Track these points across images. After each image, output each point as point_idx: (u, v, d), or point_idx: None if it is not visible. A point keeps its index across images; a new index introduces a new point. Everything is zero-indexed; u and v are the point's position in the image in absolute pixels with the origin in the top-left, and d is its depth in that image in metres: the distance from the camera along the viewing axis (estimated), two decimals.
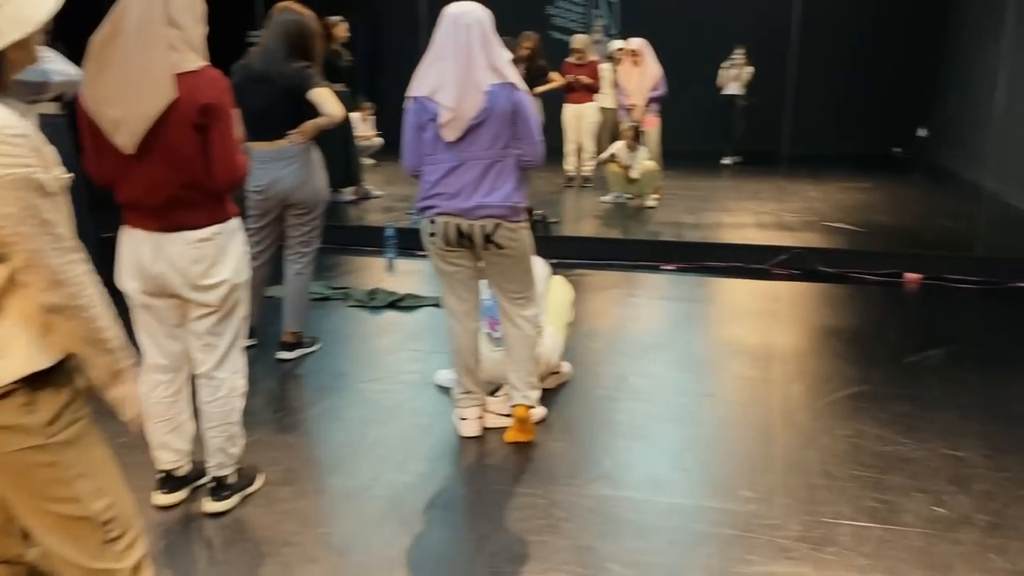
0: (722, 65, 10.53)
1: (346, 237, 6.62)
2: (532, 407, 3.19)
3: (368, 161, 10.32)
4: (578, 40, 8.89)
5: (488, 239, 2.97)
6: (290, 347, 4.04)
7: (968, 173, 9.73)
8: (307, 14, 3.77)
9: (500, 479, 2.92)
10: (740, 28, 11.03)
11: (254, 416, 3.39)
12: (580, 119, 8.90)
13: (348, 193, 8.26)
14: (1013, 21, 6.23)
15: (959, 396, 3.63)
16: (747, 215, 7.58)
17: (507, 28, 8.65)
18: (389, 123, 8.12)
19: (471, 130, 2.91)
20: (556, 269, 5.75)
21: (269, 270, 4.09)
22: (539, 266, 3.63)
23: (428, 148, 2.98)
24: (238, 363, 2.66)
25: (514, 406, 3.17)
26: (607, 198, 8.28)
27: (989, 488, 2.84)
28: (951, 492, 2.81)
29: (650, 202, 8.01)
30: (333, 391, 3.70)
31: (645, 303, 5.11)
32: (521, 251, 3.05)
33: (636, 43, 8.40)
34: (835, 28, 11.50)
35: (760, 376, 3.88)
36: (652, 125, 8.35)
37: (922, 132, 11.85)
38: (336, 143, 7.96)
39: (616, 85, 8.80)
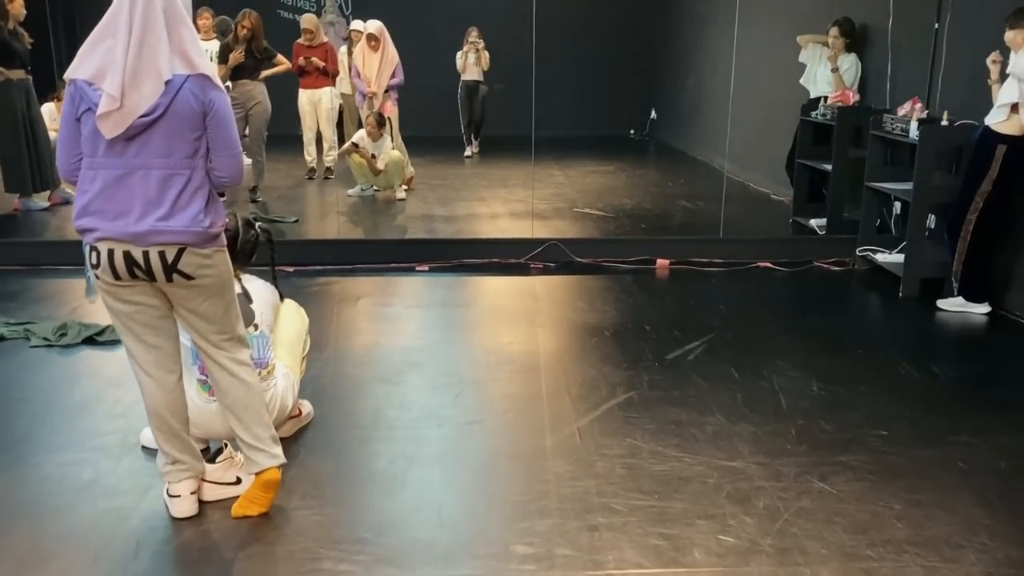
0: (463, 50, 10.08)
1: (36, 255, 5.51)
2: (284, 464, 2.60)
3: None
4: (307, 20, 8.20)
5: (171, 269, 2.33)
6: None
7: (699, 153, 10.23)
8: None
9: (222, 574, 2.31)
10: (479, 12, 10.79)
11: None
12: (316, 105, 8.24)
13: (42, 199, 7.00)
14: (746, 7, 6.43)
15: (724, 394, 3.51)
16: (500, 204, 7.34)
17: (229, 7, 7.76)
18: None
19: (143, 130, 2.26)
20: (297, 278, 5.13)
21: None
22: (264, 291, 3.02)
23: (87, 148, 2.29)
24: None
25: (259, 473, 2.56)
26: (353, 191, 7.70)
27: (770, 503, 2.67)
28: (735, 514, 2.60)
29: (400, 194, 7.55)
30: None
31: (401, 312, 4.63)
32: (219, 281, 2.44)
33: (374, 26, 7.84)
34: (573, 12, 11.63)
35: (527, 392, 3.54)
36: (390, 112, 7.86)
37: (654, 115, 12.40)
38: (23, 140, 6.69)
39: (351, 70, 8.20)
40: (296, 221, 6.57)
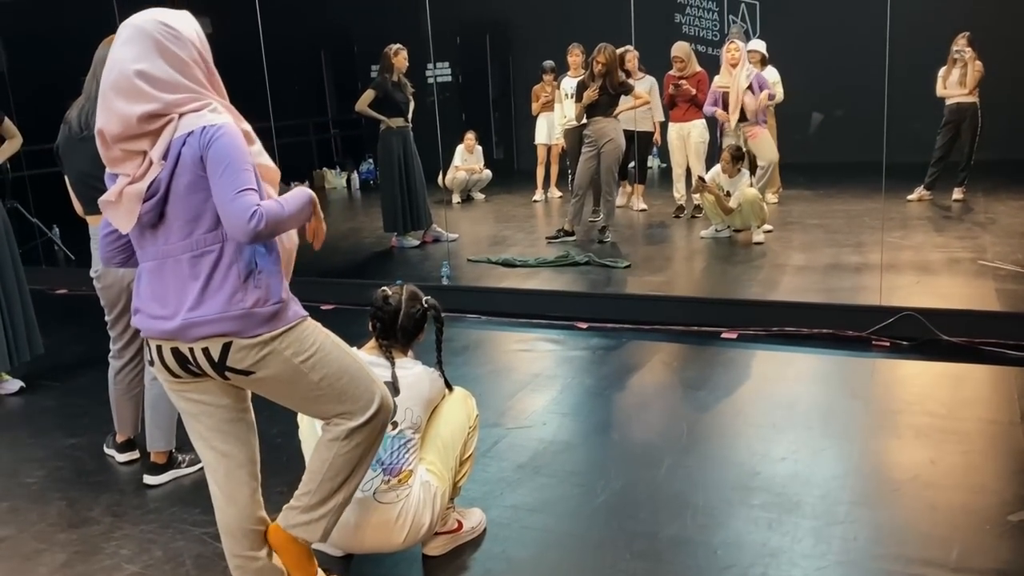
0: (945, 66, 7.61)
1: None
2: (290, 535, 2.13)
3: None
4: (678, 48, 7.64)
5: (221, 366, 1.97)
6: (159, 469, 3.21)
7: None
8: None
9: None
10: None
11: None
12: (685, 139, 7.63)
13: (415, 238, 7.44)
14: None
15: None
16: (876, 252, 5.93)
17: (635, 38, 7.43)
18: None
19: (162, 211, 1.93)
20: (582, 336, 4.58)
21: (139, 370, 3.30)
22: (422, 382, 2.54)
23: (133, 239, 2.05)
24: None
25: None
26: (706, 233, 6.94)
27: None
28: None
29: (758, 236, 6.57)
30: None
31: (656, 396, 3.80)
32: (290, 368, 2.00)
33: (741, 47, 6.97)
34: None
35: None
36: (759, 137, 6.90)
37: None
38: (398, 184, 7.16)
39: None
40: (628, 266, 6.03)
